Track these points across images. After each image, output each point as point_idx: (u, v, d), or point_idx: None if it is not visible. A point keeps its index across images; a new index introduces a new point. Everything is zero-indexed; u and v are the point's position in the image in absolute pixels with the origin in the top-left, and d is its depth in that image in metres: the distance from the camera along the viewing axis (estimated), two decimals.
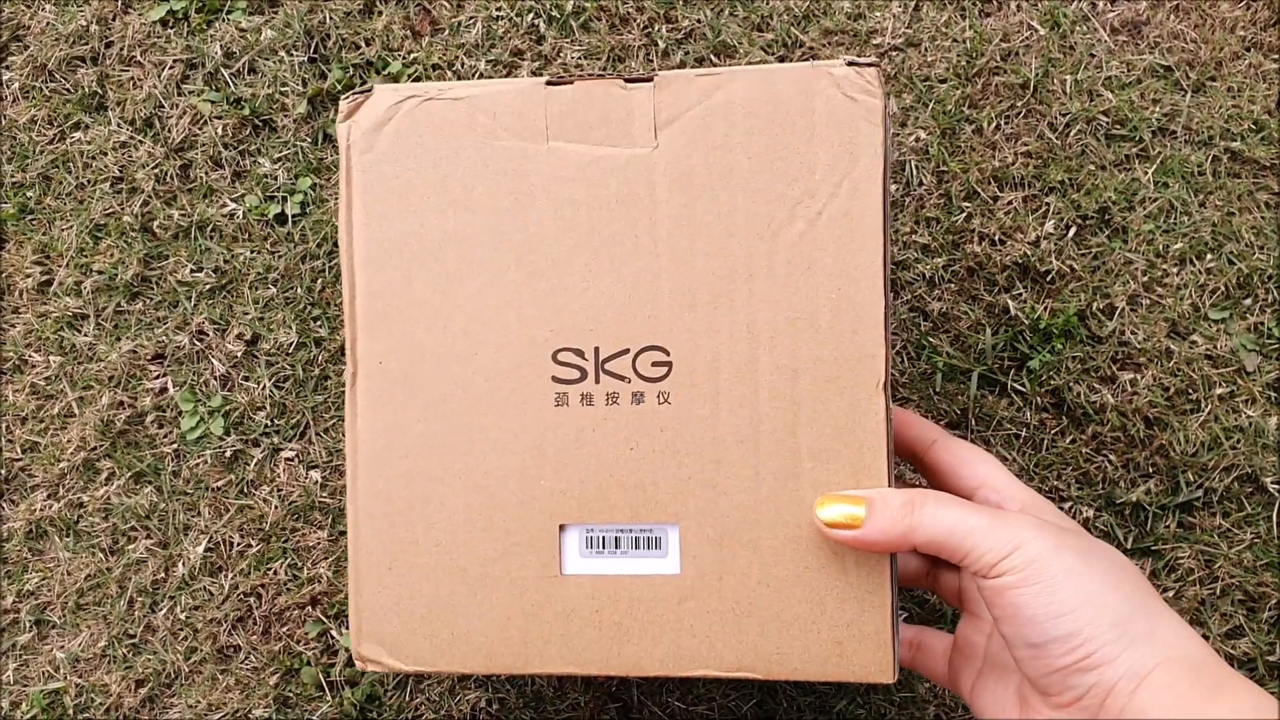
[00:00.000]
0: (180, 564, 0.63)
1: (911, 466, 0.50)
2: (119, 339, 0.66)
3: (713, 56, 0.65)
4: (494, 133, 0.41)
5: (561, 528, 0.41)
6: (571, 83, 0.41)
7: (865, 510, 0.38)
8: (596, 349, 0.41)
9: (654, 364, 0.40)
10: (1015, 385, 0.61)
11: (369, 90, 0.42)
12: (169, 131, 0.67)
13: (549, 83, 0.41)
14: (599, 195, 0.40)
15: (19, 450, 0.66)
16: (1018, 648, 0.36)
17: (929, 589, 0.48)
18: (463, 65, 0.66)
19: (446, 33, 0.67)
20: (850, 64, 0.39)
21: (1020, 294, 0.62)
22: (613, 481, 0.41)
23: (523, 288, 0.41)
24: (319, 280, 0.65)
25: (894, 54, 0.64)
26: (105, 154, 0.67)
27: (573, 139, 0.41)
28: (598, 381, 0.41)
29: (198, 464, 0.64)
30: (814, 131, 0.39)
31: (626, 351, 0.40)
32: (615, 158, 0.40)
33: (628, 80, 0.40)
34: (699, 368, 0.40)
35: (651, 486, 0.40)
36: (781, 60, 0.65)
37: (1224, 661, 0.35)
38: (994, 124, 0.63)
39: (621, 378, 0.40)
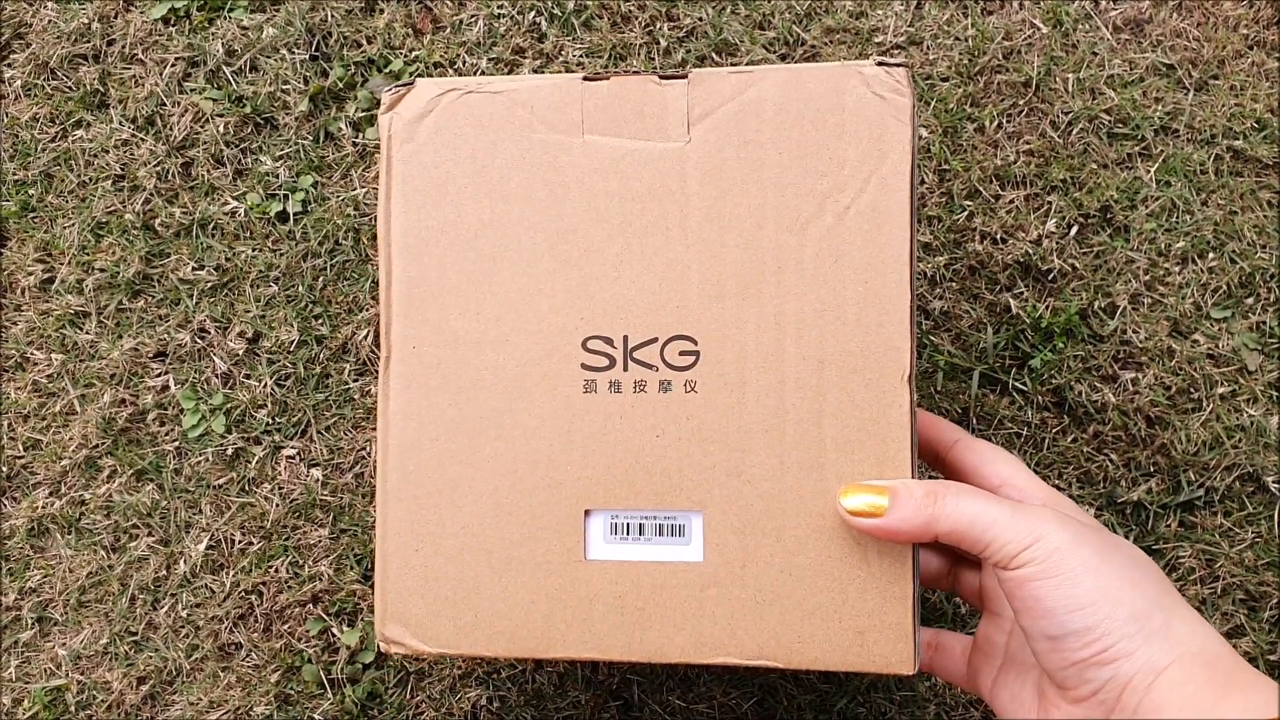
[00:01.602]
0: (182, 561, 0.63)
1: (933, 469, 0.50)
2: (120, 337, 0.66)
3: (714, 55, 0.65)
4: (531, 126, 0.42)
5: (586, 513, 0.41)
6: (608, 78, 0.41)
7: (888, 500, 0.38)
8: (625, 337, 0.41)
9: (682, 353, 0.41)
10: (1016, 384, 0.61)
11: (411, 83, 0.43)
12: (170, 129, 0.67)
13: (586, 78, 0.41)
14: (632, 187, 0.41)
15: (21, 448, 0.66)
16: (1036, 640, 0.37)
17: (949, 589, 0.48)
18: (464, 63, 0.66)
19: (448, 31, 0.67)
20: (880, 64, 0.40)
21: (1022, 293, 0.62)
22: (638, 468, 0.41)
23: (555, 276, 0.42)
24: (320, 278, 0.65)
25: (896, 52, 0.64)
26: (107, 152, 0.67)
27: (608, 133, 0.41)
28: (626, 369, 0.41)
29: (199, 462, 0.64)
30: (843, 128, 0.40)
31: (655, 340, 0.41)
32: (648, 151, 0.41)
33: (663, 76, 0.41)
34: (726, 358, 0.41)
35: (676, 474, 0.41)
36: (783, 59, 0.65)
37: (1240, 657, 0.35)
38: (996, 122, 0.63)
39: (649, 366, 0.41)
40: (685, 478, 0.41)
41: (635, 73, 0.41)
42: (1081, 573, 0.35)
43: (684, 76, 0.41)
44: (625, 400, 0.41)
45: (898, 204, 0.40)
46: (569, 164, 0.41)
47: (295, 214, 0.66)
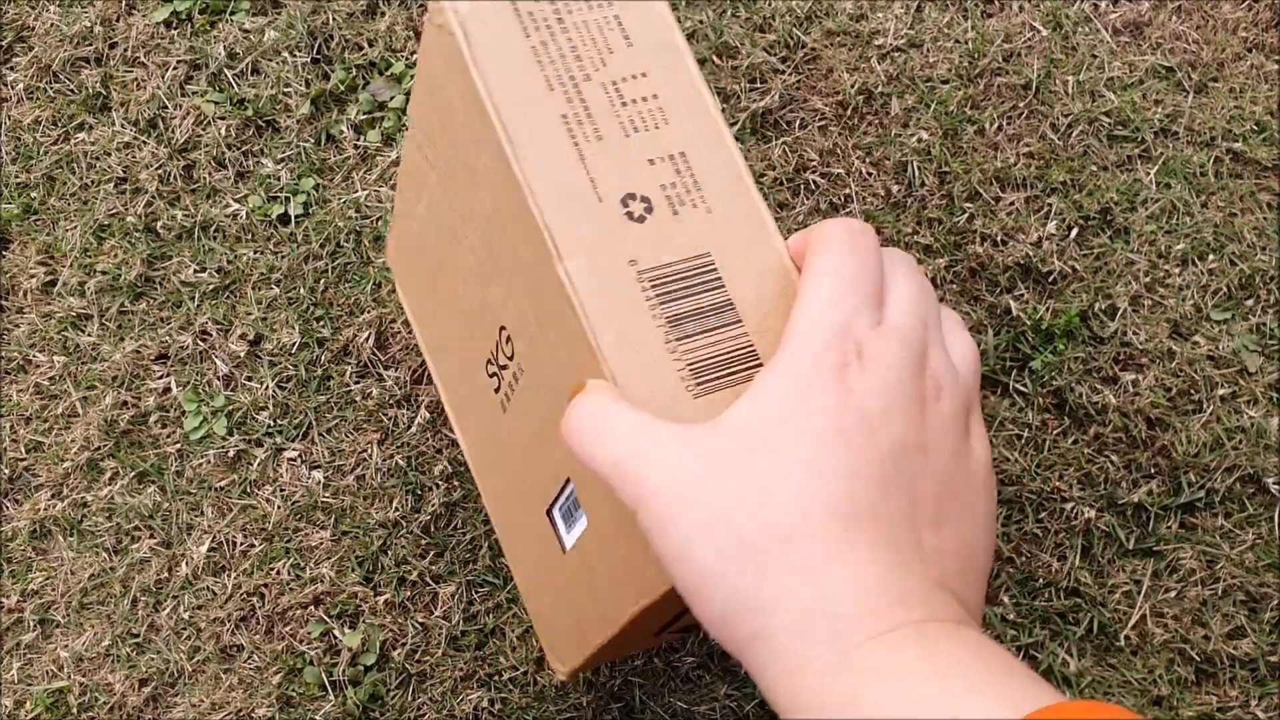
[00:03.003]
0: (183, 564, 0.63)
1: None
2: (122, 339, 0.66)
3: (714, 57, 0.65)
4: None
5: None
6: None
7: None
8: None
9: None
10: (1017, 386, 0.61)
11: None
12: (172, 132, 0.67)
13: None
14: None
15: (23, 450, 0.66)
16: None
17: None
18: None
19: None
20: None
21: (1022, 294, 0.62)
22: None
23: None
24: (322, 280, 0.65)
25: (896, 55, 0.64)
26: (109, 155, 0.67)
27: None
28: None
29: (201, 464, 0.64)
30: None
31: None
32: None
33: None
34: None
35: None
36: (784, 61, 0.65)
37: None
38: (996, 125, 0.63)
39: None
40: None
41: None
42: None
43: None
44: None
45: None
46: None
47: (297, 216, 0.66)
